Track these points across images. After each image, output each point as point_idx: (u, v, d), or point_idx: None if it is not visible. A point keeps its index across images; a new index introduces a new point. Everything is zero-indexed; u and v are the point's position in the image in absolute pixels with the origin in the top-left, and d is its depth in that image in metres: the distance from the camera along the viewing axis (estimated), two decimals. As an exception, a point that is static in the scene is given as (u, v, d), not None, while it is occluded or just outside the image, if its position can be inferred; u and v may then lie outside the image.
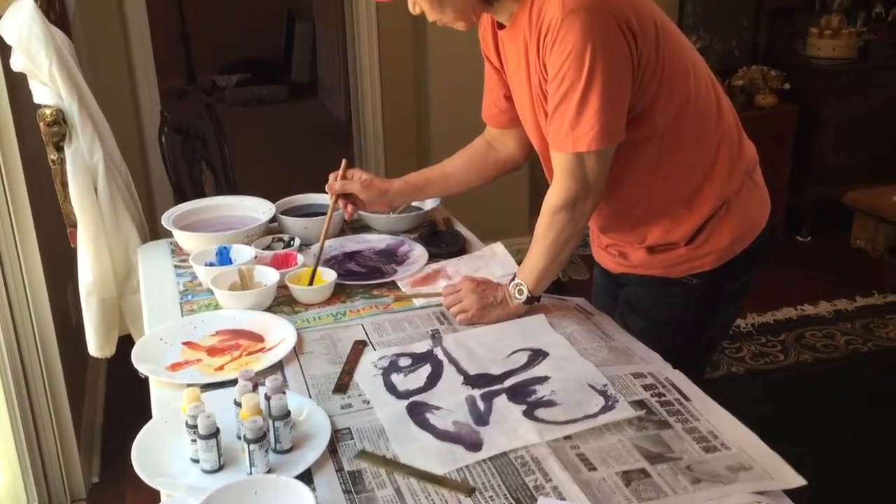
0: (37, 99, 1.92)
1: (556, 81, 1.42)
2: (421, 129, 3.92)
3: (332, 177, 1.81)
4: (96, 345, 2.10)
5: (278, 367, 1.45)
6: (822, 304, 3.46)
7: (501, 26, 1.56)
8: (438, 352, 1.49)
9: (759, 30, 4.16)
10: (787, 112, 3.99)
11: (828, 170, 4.08)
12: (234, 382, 1.32)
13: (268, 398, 1.23)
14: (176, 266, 1.89)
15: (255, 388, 1.27)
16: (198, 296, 1.74)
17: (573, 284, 3.69)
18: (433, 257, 1.88)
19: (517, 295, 1.58)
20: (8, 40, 1.86)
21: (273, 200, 2.05)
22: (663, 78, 1.48)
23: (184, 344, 1.53)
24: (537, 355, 1.47)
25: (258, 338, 1.55)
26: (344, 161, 1.82)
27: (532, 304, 1.60)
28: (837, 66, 3.97)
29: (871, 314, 3.39)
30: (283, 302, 1.69)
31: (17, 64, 1.87)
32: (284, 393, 1.24)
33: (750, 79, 3.99)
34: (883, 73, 4.06)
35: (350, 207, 1.82)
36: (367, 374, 1.43)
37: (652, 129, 1.51)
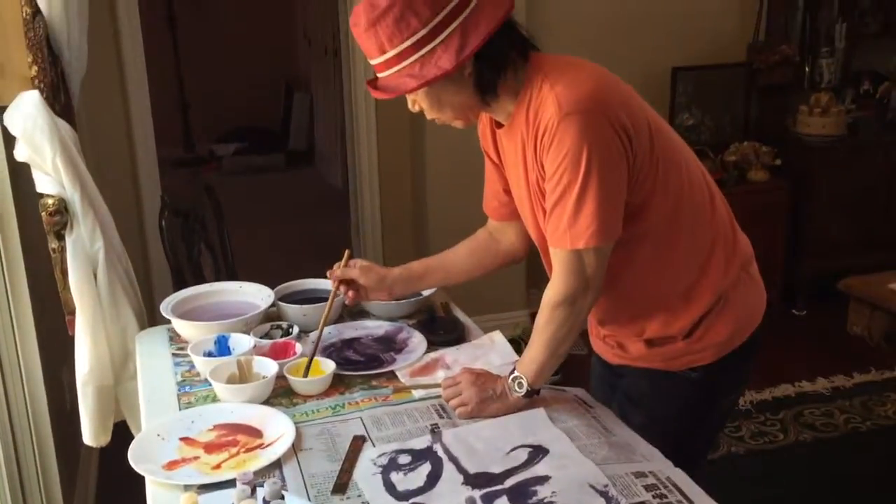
0: (39, 188, 1.94)
1: (553, 180, 1.45)
2: (417, 197, 3.96)
3: (335, 266, 1.83)
4: (92, 433, 2.08)
5: (276, 465, 1.44)
6: (819, 381, 3.45)
7: (500, 125, 1.59)
8: (438, 448, 1.48)
9: (750, 107, 4.24)
10: (779, 187, 4.04)
11: (821, 243, 4.12)
12: (232, 483, 1.31)
13: (266, 502, 1.21)
14: (174, 354, 1.89)
15: (253, 489, 1.26)
16: (195, 387, 1.73)
17: (572, 359, 3.67)
18: (431, 345, 1.88)
19: (517, 388, 1.58)
20: (13, 131, 1.89)
21: (270, 274, 2.06)
22: (658, 176, 1.51)
23: (181, 440, 1.52)
24: (538, 452, 1.46)
25: (256, 433, 1.54)
26: (347, 251, 1.84)
27: (531, 397, 1.60)
28: (827, 142, 4.04)
29: (869, 391, 3.37)
30: (281, 393, 1.69)
31: (21, 154, 1.90)
32: (283, 497, 1.23)
33: (742, 154, 4.05)
34: (872, 148, 4.14)
35: (351, 293, 1.83)
36: (366, 473, 1.41)
37: (648, 225, 1.54)
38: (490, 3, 1.43)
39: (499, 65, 1.47)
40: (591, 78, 1.45)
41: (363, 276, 1.81)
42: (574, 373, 1.75)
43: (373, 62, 1.48)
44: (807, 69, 4.30)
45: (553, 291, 1.52)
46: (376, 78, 1.51)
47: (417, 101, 1.53)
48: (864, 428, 3.14)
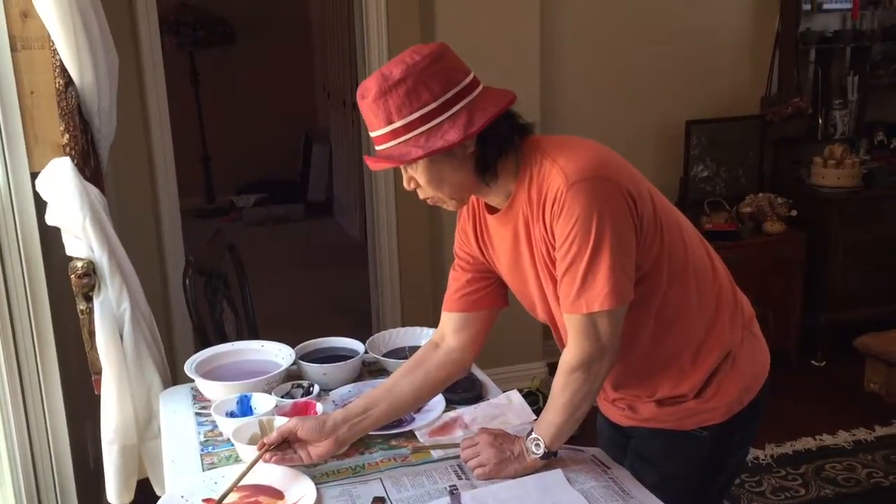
0: (69, 251, 2.00)
1: (564, 247, 1.48)
2: (435, 248, 3.99)
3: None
4: (116, 492, 2.11)
5: (298, 527, 1.46)
6: (840, 434, 3.42)
7: (492, 211, 1.63)
8: (457, 511, 1.50)
9: (764, 159, 4.27)
10: (795, 239, 4.05)
11: (839, 294, 4.11)
12: (254, 546, 1.33)
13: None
14: (197, 413, 1.92)
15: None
16: (218, 447, 1.76)
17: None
18: (450, 404, 1.90)
19: (534, 450, 1.60)
20: (45, 197, 1.96)
21: (289, 328, 2.08)
22: (664, 238, 1.56)
23: (204, 501, 1.55)
24: (556, 515, 1.47)
25: (278, 494, 1.56)
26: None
27: (549, 459, 1.61)
28: (843, 194, 4.05)
29: (891, 445, 3.33)
30: (301, 453, 1.71)
31: (52, 219, 1.96)
32: (305, 562, 1.25)
33: (757, 206, 4.06)
34: (887, 199, 4.14)
35: (276, 458, 1.60)
36: (386, 536, 1.43)
37: (657, 287, 1.57)
38: (495, 92, 1.50)
39: (500, 146, 1.51)
40: (589, 150, 1.52)
41: (299, 426, 1.61)
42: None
43: (376, 133, 1.49)
44: (820, 121, 4.33)
45: (569, 356, 1.55)
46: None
47: (414, 178, 1.54)
48: (887, 483, 3.10)
